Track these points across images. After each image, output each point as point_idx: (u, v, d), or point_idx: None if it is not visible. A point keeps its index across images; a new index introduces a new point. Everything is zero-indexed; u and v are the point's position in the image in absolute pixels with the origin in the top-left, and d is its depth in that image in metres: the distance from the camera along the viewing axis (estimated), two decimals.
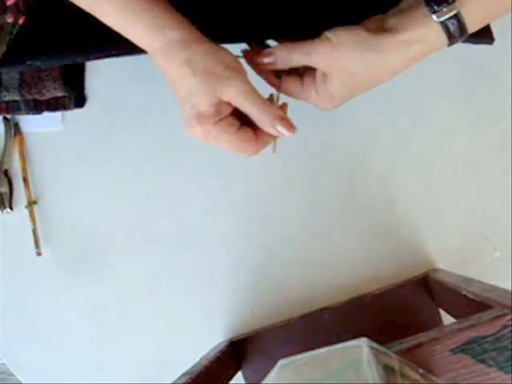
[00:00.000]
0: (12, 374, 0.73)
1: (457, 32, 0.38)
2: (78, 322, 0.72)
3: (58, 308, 0.72)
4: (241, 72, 0.39)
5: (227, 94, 0.38)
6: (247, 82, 0.39)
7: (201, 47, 0.38)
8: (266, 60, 0.43)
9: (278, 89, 0.44)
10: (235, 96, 0.39)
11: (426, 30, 0.38)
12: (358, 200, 0.70)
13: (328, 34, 0.40)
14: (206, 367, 0.56)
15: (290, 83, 0.44)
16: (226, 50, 0.40)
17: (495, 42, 0.62)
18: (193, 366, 0.58)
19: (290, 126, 0.42)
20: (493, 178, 0.69)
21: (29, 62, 0.52)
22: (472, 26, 0.38)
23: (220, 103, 0.39)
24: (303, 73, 0.44)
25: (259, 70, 0.44)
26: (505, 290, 0.49)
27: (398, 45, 0.39)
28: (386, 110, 0.68)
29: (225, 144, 0.40)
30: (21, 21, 0.58)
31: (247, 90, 0.39)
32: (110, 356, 0.73)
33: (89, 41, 0.48)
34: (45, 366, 0.73)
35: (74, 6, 0.40)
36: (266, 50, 0.43)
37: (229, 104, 0.39)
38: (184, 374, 0.54)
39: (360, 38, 0.39)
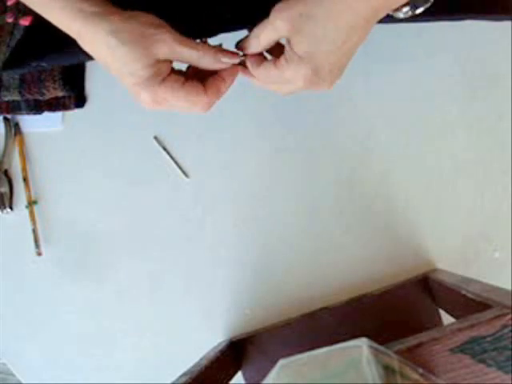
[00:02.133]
0: (12, 374, 0.73)
1: None
2: (77, 321, 0.72)
3: (58, 308, 0.72)
4: (164, 26, 0.38)
5: (161, 50, 0.38)
6: (175, 33, 0.38)
7: (118, 16, 0.37)
8: (236, 58, 0.41)
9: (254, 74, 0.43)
10: (169, 49, 0.38)
11: None
12: (357, 200, 0.70)
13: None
14: (206, 367, 0.56)
15: (267, 64, 0.41)
16: (140, 12, 0.39)
17: (495, 42, 0.62)
18: (193, 366, 0.58)
19: (233, 54, 0.41)
20: (493, 177, 0.69)
21: (34, 64, 0.52)
22: None
23: (157, 63, 0.38)
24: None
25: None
26: (505, 290, 0.49)
27: None
28: (386, 110, 0.68)
29: (175, 102, 0.39)
30: (27, 22, 0.58)
31: (178, 39, 0.38)
32: (110, 356, 0.73)
33: None
34: (45, 366, 0.73)
35: None
36: (233, 51, 0.41)
37: (166, 61, 0.39)
38: (184, 374, 0.54)
39: None
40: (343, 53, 0.38)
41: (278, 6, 0.38)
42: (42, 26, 0.53)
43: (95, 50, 0.38)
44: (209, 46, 0.40)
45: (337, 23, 0.36)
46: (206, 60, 0.39)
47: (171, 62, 0.40)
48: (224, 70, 0.42)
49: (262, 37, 0.40)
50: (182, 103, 0.40)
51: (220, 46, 0.42)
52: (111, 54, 0.37)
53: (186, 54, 0.39)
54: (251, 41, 0.41)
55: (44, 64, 0.53)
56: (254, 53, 0.42)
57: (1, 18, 0.62)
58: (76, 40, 0.39)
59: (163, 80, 0.39)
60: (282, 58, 0.40)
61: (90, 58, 0.41)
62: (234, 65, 0.42)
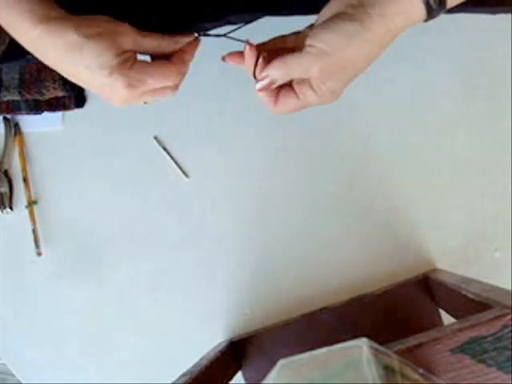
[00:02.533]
0: (12, 374, 0.73)
1: (435, 4, 0.37)
2: (77, 321, 0.72)
3: (58, 308, 0.72)
4: (123, 23, 0.41)
5: (125, 42, 0.39)
6: (130, 26, 0.41)
7: (79, 17, 0.39)
8: (263, 83, 0.41)
9: (275, 105, 0.43)
10: (133, 40, 0.40)
11: (407, 2, 0.37)
12: (357, 200, 0.70)
13: (314, 43, 0.38)
14: (206, 367, 0.56)
15: (284, 96, 0.42)
16: (91, 15, 0.40)
17: (495, 42, 0.62)
18: (193, 366, 0.58)
19: (190, 33, 0.44)
20: (493, 178, 0.69)
21: (29, 56, 0.52)
22: (451, 0, 0.38)
23: (124, 52, 0.39)
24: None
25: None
26: (505, 290, 0.49)
27: (389, 24, 0.37)
28: (386, 109, 0.68)
29: (149, 79, 0.40)
30: None
31: (138, 32, 0.41)
32: (110, 356, 0.73)
33: None
34: (45, 366, 0.73)
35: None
36: (262, 74, 0.41)
37: (131, 51, 0.40)
38: (184, 374, 0.54)
39: (350, 31, 0.37)
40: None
41: (311, 51, 0.38)
42: None
43: (56, 56, 0.39)
44: (163, 35, 0.43)
45: (371, 62, 0.39)
46: (166, 42, 0.42)
47: (135, 52, 0.41)
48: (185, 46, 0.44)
49: (291, 75, 0.40)
50: (154, 78, 0.41)
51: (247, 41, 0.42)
52: (78, 50, 0.38)
53: (147, 44, 0.41)
54: (276, 72, 0.40)
55: None
56: (278, 84, 0.41)
57: None
58: (31, 51, 0.39)
59: (133, 64, 0.40)
60: (307, 89, 0.41)
61: None
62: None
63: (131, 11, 0.45)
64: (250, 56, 0.41)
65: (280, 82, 0.41)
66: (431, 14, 0.38)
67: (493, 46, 0.67)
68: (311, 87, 0.40)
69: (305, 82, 0.41)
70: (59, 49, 0.38)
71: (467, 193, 0.70)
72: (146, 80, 0.40)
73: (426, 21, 0.38)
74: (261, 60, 0.41)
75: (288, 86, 0.42)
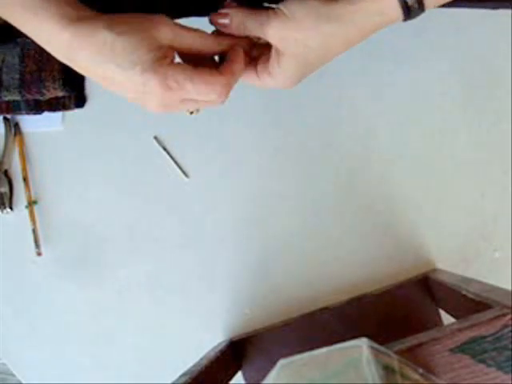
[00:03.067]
0: (12, 374, 0.73)
1: (414, 5, 0.36)
2: (77, 321, 0.72)
3: (58, 308, 0.72)
4: (157, 15, 0.37)
5: (163, 32, 0.36)
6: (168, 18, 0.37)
7: (106, 16, 0.36)
8: (221, 20, 0.40)
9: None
10: (172, 31, 0.36)
11: (382, 0, 0.36)
12: (357, 200, 0.70)
13: (280, 6, 0.38)
14: (206, 367, 0.56)
15: (247, 73, 0.42)
16: (123, 13, 0.37)
17: (495, 42, 0.62)
18: (193, 366, 0.58)
19: (233, 37, 0.41)
20: (493, 178, 0.69)
21: (19, 40, 0.50)
22: (429, 3, 0.37)
23: (161, 47, 0.36)
24: (257, 58, 0.43)
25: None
26: (505, 290, 0.49)
27: (356, 14, 0.36)
28: (386, 110, 0.68)
29: (189, 84, 0.36)
30: None
31: (178, 25, 0.37)
32: (110, 356, 0.73)
33: None
34: (45, 365, 0.73)
35: None
36: (223, 10, 0.41)
37: (170, 48, 0.37)
38: (184, 374, 0.54)
39: (314, 8, 0.37)
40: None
41: (277, 20, 0.38)
42: None
43: (87, 58, 0.36)
44: (205, 32, 0.40)
45: (328, 53, 0.39)
46: (208, 42, 0.39)
47: (174, 53, 0.38)
48: (231, 52, 0.41)
49: (248, 28, 0.40)
50: (195, 85, 0.36)
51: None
52: (110, 50, 0.35)
53: (188, 37, 0.38)
54: (237, 18, 0.40)
55: (29, 40, 0.52)
56: (233, 32, 0.41)
57: (0, 18, 0.62)
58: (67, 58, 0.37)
59: (171, 61, 0.36)
60: (264, 72, 0.41)
61: None
62: (238, 46, 0.41)
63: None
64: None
65: (233, 27, 0.40)
66: (409, 14, 0.37)
67: (493, 46, 0.67)
68: (267, 70, 0.41)
69: (265, 59, 0.41)
70: (90, 49, 0.35)
71: (467, 193, 0.70)
72: (185, 84, 0.36)
73: (404, 20, 0.38)
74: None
75: (250, 65, 0.42)
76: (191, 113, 0.44)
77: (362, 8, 0.36)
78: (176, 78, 0.36)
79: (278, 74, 0.40)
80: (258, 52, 0.43)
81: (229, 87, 0.38)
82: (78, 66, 0.37)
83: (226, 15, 0.40)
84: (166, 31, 0.36)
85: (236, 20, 0.40)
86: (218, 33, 0.42)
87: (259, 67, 0.42)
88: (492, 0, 0.53)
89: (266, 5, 0.46)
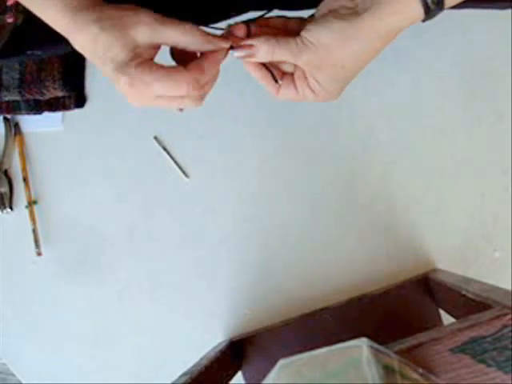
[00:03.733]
0: (12, 374, 0.73)
1: (433, 5, 0.36)
2: (78, 321, 0.72)
3: (58, 308, 0.72)
4: (144, 10, 0.38)
5: (140, 32, 0.37)
6: (156, 15, 0.37)
7: (103, 6, 0.38)
8: (245, 52, 0.40)
9: (277, 94, 0.43)
10: (150, 29, 0.37)
11: (402, 2, 0.36)
12: (358, 200, 0.70)
13: (305, 34, 0.39)
14: (206, 367, 0.56)
15: (285, 88, 0.43)
16: (118, 4, 0.39)
17: (495, 42, 0.62)
18: (193, 366, 0.58)
19: (224, 38, 0.40)
20: (493, 178, 0.69)
21: (29, 52, 0.51)
22: (448, 2, 0.37)
23: (137, 47, 0.37)
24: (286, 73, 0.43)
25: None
26: (505, 290, 0.49)
27: (380, 25, 0.37)
28: (385, 110, 0.68)
29: (158, 87, 0.37)
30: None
31: (160, 20, 0.37)
32: (110, 356, 0.73)
33: None
34: (45, 366, 0.73)
35: None
36: (247, 42, 0.40)
37: (150, 48, 0.38)
38: (184, 374, 0.54)
39: (339, 30, 0.37)
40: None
41: (307, 50, 0.39)
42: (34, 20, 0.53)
43: (82, 43, 0.38)
44: (195, 26, 0.39)
45: (364, 64, 0.40)
46: (194, 40, 0.38)
47: (156, 49, 0.39)
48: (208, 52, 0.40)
49: (278, 57, 0.40)
50: (162, 84, 0.37)
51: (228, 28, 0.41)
52: (94, 42, 0.37)
53: (170, 34, 0.37)
54: (262, 46, 0.40)
55: (39, 52, 0.52)
56: (256, 61, 0.41)
57: (1, 18, 0.62)
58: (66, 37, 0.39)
59: (141, 63, 0.37)
60: (306, 89, 0.42)
61: None
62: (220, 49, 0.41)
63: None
64: (239, 29, 0.41)
65: (261, 56, 0.40)
66: (429, 14, 0.37)
67: (493, 46, 0.67)
68: (308, 86, 0.41)
69: (304, 79, 0.41)
70: (82, 39, 0.38)
71: (467, 193, 0.70)
72: (152, 83, 0.37)
73: (424, 21, 0.38)
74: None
75: (290, 77, 0.42)
76: (180, 110, 0.44)
77: (384, 18, 0.37)
78: (142, 79, 0.37)
79: (320, 90, 0.41)
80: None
81: (195, 84, 0.38)
82: (77, 48, 0.40)
83: (249, 46, 0.40)
84: (143, 30, 0.37)
85: (263, 51, 0.40)
86: (224, 36, 0.41)
87: (298, 82, 0.42)
88: (500, 0, 0.53)
89: (274, 12, 0.45)
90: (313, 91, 0.42)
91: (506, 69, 0.67)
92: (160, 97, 0.38)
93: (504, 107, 0.68)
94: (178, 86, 0.37)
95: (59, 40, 0.50)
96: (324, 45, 0.38)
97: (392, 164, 0.69)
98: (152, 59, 0.39)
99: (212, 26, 0.44)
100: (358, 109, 0.68)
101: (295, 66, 0.42)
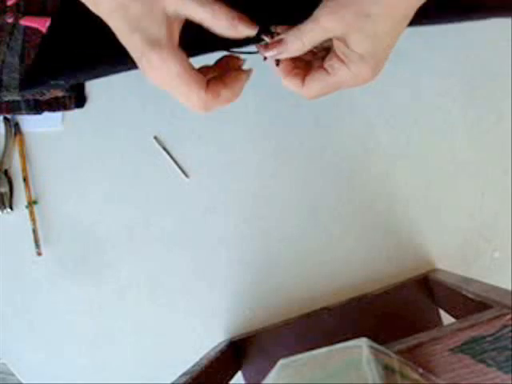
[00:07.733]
0: (12, 374, 0.73)
1: None
2: (77, 321, 0.72)
3: (58, 308, 0.72)
4: None
5: (170, 2, 0.35)
6: None
7: None
8: (275, 50, 0.39)
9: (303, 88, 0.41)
10: (177, 2, 0.35)
11: None
12: (357, 200, 0.70)
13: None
14: (206, 367, 0.56)
15: (313, 76, 0.40)
16: None
17: (495, 42, 0.62)
18: (193, 366, 0.58)
19: (251, 24, 0.37)
20: (493, 178, 0.69)
21: (52, 82, 0.51)
22: None
23: (168, 19, 0.36)
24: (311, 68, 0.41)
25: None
26: (505, 290, 0.49)
27: None
28: (385, 110, 0.68)
29: (173, 82, 0.37)
30: (43, 29, 0.57)
31: None
32: (109, 356, 0.73)
33: (113, 53, 0.45)
34: (45, 365, 0.73)
35: (92, 21, 0.39)
36: (274, 39, 0.38)
37: (175, 20, 0.36)
38: (184, 374, 0.54)
39: None
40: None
41: (326, 7, 0.36)
42: (56, 42, 0.52)
43: (109, 7, 0.37)
44: (226, 9, 0.36)
45: (394, 17, 0.36)
46: (219, 23, 0.36)
47: (181, 23, 0.37)
48: (229, 77, 0.40)
49: (308, 39, 0.38)
50: (178, 81, 0.37)
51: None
52: (124, 11, 0.36)
53: (198, 12, 0.36)
54: (291, 44, 0.38)
55: (61, 82, 0.52)
56: (291, 56, 0.39)
57: (0, 18, 0.62)
58: (93, 12, 0.38)
59: (173, 46, 0.36)
60: (335, 61, 0.39)
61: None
62: (240, 72, 0.41)
63: None
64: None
65: (293, 51, 0.38)
66: None
67: (493, 46, 0.67)
68: (337, 57, 0.39)
69: (331, 54, 0.39)
70: (110, 5, 0.36)
71: (467, 193, 0.70)
72: (170, 74, 0.36)
73: None
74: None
75: (315, 68, 0.41)
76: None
77: None
78: (169, 65, 0.36)
79: (352, 56, 0.38)
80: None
81: (202, 104, 0.38)
82: (99, 13, 0.38)
83: (279, 43, 0.39)
84: (171, 2, 0.36)
85: (293, 41, 0.38)
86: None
87: (327, 64, 0.39)
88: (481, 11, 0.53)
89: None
90: (342, 61, 0.38)
91: (506, 69, 0.67)
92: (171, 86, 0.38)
93: (504, 107, 0.68)
94: (188, 96, 0.37)
95: (78, 67, 0.50)
96: None
97: (392, 164, 0.69)
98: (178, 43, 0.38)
99: (233, 50, 0.43)
100: (358, 109, 0.68)
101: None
